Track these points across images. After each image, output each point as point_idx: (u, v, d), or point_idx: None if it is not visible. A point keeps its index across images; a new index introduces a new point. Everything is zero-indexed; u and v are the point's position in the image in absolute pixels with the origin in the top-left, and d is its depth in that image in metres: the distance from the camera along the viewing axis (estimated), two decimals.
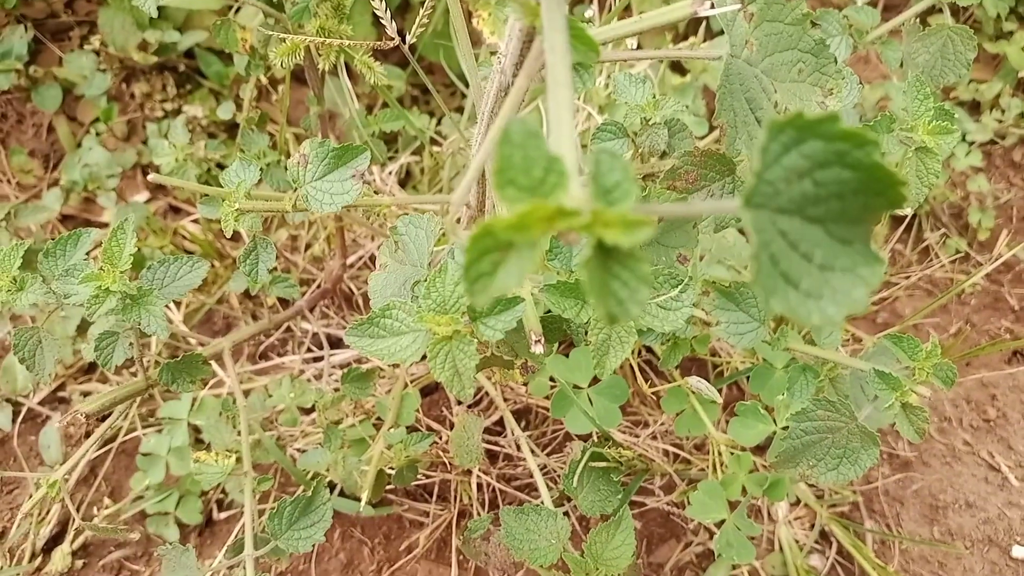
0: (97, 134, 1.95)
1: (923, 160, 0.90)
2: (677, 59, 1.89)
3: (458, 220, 0.94)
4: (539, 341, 0.75)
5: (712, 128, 1.71)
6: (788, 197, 0.38)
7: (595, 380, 1.23)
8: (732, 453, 1.26)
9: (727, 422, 1.55)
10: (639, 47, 1.16)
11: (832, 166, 0.38)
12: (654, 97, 0.94)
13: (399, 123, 1.44)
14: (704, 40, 1.86)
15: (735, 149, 0.73)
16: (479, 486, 1.55)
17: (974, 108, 2.11)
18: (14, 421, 1.67)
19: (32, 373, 1.05)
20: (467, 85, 1.82)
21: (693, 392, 1.25)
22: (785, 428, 1.12)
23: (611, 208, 0.35)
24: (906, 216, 1.96)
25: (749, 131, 0.72)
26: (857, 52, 1.17)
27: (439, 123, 1.88)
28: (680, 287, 0.79)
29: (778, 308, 0.38)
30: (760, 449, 1.44)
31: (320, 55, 1.07)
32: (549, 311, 0.87)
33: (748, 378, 1.35)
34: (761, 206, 0.38)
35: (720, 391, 1.27)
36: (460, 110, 1.91)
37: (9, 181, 1.93)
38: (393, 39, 0.95)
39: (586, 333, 0.81)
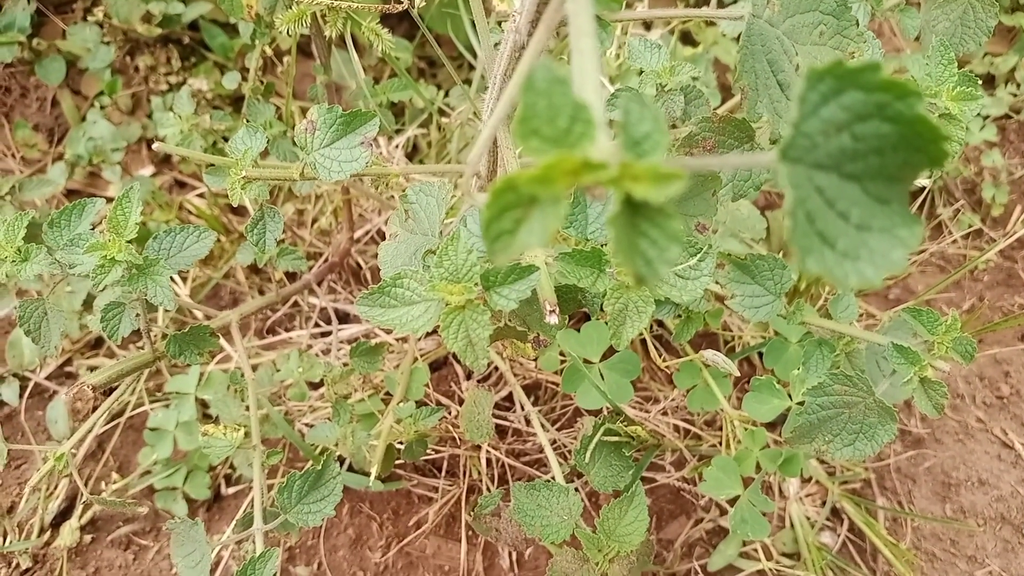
0: (101, 107, 1.93)
1: (946, 127, 0.88)
2: (692, 24, 1.86)
3: (473, 181, 0.92)
4: (553, 311, 0.73)
5: (724, 100, 1.68)
6: (826, 151, 0.36)
7: (606, 355, 1.21)
8: (745, 429, 1.24)
9: (739, 398, 1.54)
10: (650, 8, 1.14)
11: (872, 119, 0.36)
12: (670, 63, 0.92)
13: (407, 93, 1.42)
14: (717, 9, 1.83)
15: (755, 113, 0.71)
16: (488, 461, 1.54)
17: (988, 82, 2.07)
18: (21, 396, 1.67)
19: (38, 346, 1.04)
20: (475, 57, 1.80)
21: (706, 367, 1.24)
22: (801, 403, 1.11)
23: (640, 160, 0.34)
24: (920, 191, 1.94)
25: (770, 94, 0.70)
26: (872, 23, 1.14)
27: (447, 95, 1.86)
28: (699, 256, 0.77)
29: (814, 268, 0.36)
30: (772, 425, 1.43)
31: (327, 22, 1.05)
32: (562, 282, 0.85)
33: (760, 353, 1.34)
34: (798, 160, 0.36)
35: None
36: (468, 82, 1.88)
37: (13, 155, 1.91)
38: (401, 2, 0.93)
39: (602, 304, 0.80)
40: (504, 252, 0.36)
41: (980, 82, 1.98)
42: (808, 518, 1.50)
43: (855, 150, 0.36)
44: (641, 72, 0.98)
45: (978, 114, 1.99)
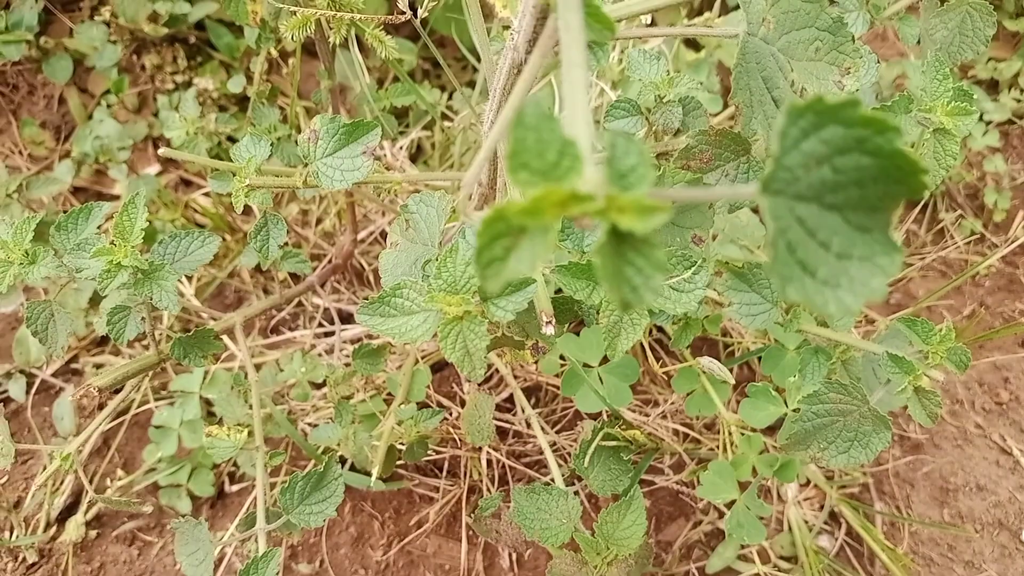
0: (108, 106, 1.94)
1: (941, 142, 0.89)
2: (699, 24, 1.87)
3: (469, 198, 0.93)
4: (550, 322, 0.74)
5: (727, 105, 1.69)
6: (807, 184, 0.37)
7: (606, 359, 1.22)
8: (743, 434, 1.25)
9: (738, 402, 1.55)
10: (653, 23, 1.15)
11: (852, 152, 0.37)
12: (668, 74, 0.93)
13: (410, 98, 1.43)
14: (720, 15, 1.84)
15: (751, 129, 0.72)
16: (489, 462, 1.55)
17: (992, 87, 2.08)
18: (28, 392, 1.68)
19: (45, 346, 1.05)
20: (479, 59, 1.81)
21: (704, 372, 1.25)
22: (796, 410, 1.12)
23: (626, 193, 0.35)
24: (921, 197, 1.94)
25: (765, 111, 0.71)
26: (874, 28, 1.15)
27: (450, 98, 1.87)
28: (694, 269, 0.79)
29: (795, 297, 0.38)
30: (770, 429, 1.44)
31: (331, 28, 1.06)
32: (560, 291, 0.86)
33: (760, 359, 1.35)
34: (779, 192, 0.37)
35: (731, 371, 1.26)
36: (472, 84, 1.90)
37: (21, 153, 1.93)
38: (404, 12, 0.94)
39: (598, 314, 0.81)
40: (495, 278, 0.37)
41: (983, 87, 1.97)
42: (806, 522, 1.51)
43: (836, 182, 0.37)
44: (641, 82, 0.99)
45: (981, 119, 2.00)
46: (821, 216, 0.38)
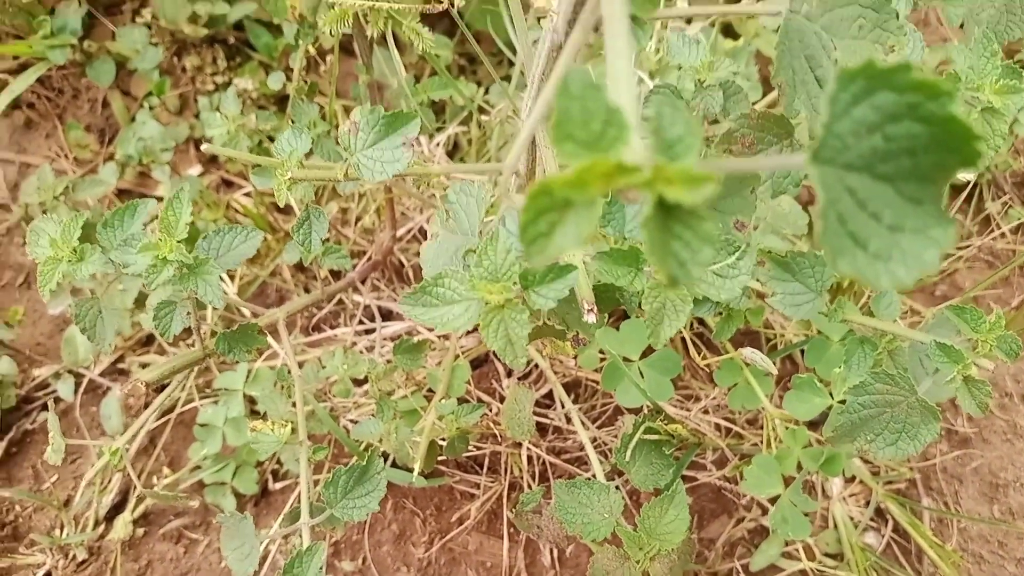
0: (150, 108, 1.97)
1: (989, 121, 0.87)
2: (733, 17, 1.85)
3: (510, 182, 0.93)
4: (591, 310, 0.74)
5: (765, 93, 1.67)
6: (857, 152, 0.36)
7: (646, 353, 1.21)
8: (787, 427, 1.24)
9: (780, 396, 1.53)
10: (690, 5, 1.14)
11: (903, 119, 0.36)
12: (709, 58, 0.92)
13: (447, 91, 1.43)
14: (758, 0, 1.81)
15: (793, 110, 0.71)
16: (529, 458, 1.55)
17: None
18: (76, 392, 1.71)
19: (93, 343, 1.07)
20: (514, 53, 1.80)
21: (747, 365, 1.23)
22: (842, 402, 1.10)
23: (673, 163, 0.34)
24: (967, 184, 1.90)
25: (808, 91, 0.69)
26: (916, 13, 1.13)
27: (487, 92, 1.87)
28: (737, 254, 0.77)
29: (846, 270, 0.37)
30: (814, 423, 1.42)
31: (368, 22, 1.07)
32: (600, 280, 0.86)
33: (803, 351, 1.33)
34: (829, 161, 0.36)
35: (774, 364, 1.24)
36: (507, 79, 1.89)
37: (66, 156, 1.97)
38: (441, 2, 0.94)
39: (640, 302, 0.80)
40: (540, 255, 0.37)
41: None
42: (852, 518, 1.49)
43: (887, 151, 0.36)
44: (680, 68, 0.98)
45: None
46: (872, 187, 0.37)
